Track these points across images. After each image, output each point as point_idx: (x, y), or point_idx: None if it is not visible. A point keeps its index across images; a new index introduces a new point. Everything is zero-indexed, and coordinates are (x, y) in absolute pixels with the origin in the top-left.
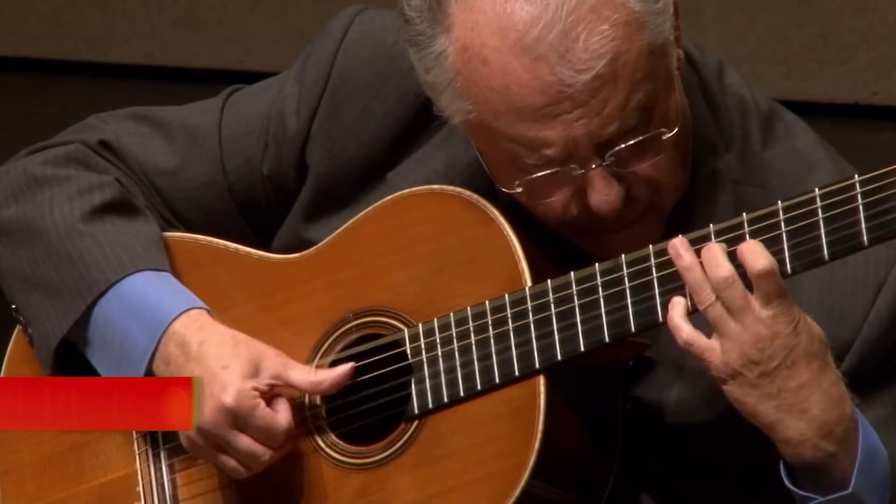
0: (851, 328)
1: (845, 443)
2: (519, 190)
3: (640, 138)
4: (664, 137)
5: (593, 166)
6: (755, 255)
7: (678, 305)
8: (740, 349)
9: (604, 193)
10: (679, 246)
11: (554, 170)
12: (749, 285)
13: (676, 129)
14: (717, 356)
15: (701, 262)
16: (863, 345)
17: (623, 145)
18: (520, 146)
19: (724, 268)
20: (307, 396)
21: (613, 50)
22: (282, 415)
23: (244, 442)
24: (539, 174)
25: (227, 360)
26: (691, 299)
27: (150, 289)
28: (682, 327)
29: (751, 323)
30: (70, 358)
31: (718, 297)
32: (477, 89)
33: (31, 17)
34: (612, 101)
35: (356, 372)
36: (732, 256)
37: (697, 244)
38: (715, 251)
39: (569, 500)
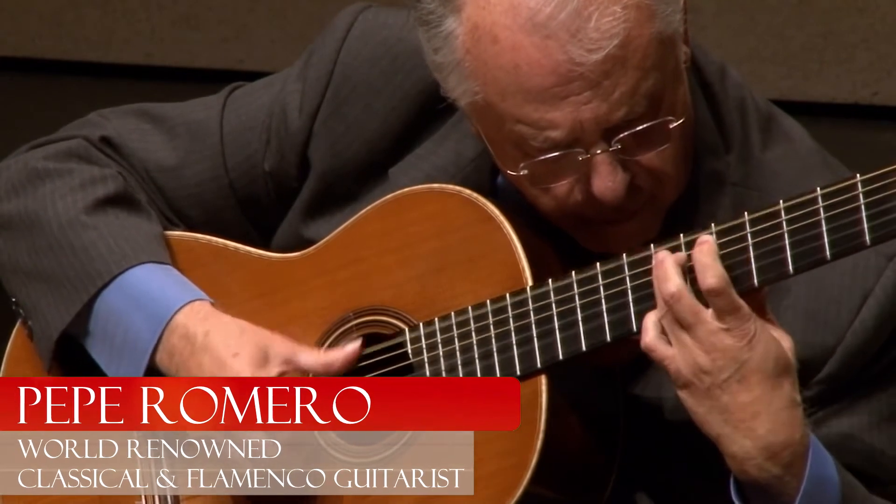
0: (835, 335)
1: (791, 468)
2: (523, 173)
3: (648, 125)
4: (671, 126)
5: (598, 151)
6: (704, 269)
7: (653, 310)
8: (692, 358)
9: (608, 180)
10: (657, 258)
11: (559, 153)
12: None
13: (683, 119)
14: (673, 364)
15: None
16: (844, 353)
17: (630, 132)
18: (526, 127)
19: (671, 283)
20: None
21: (625, 32)
22: None
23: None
24: (544, 157)
25: (235, 348)
26: None
27: (153, 280)
28: (648, 331)
29: (702, 334)
30: (70, 351)
31: (669, 310)
32: (486, 69)
33: (31, 17)
34: (622, 86)
35: (356, 372)
36: (726, 258)
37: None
38: (665, 266)
39: (570, 500)
